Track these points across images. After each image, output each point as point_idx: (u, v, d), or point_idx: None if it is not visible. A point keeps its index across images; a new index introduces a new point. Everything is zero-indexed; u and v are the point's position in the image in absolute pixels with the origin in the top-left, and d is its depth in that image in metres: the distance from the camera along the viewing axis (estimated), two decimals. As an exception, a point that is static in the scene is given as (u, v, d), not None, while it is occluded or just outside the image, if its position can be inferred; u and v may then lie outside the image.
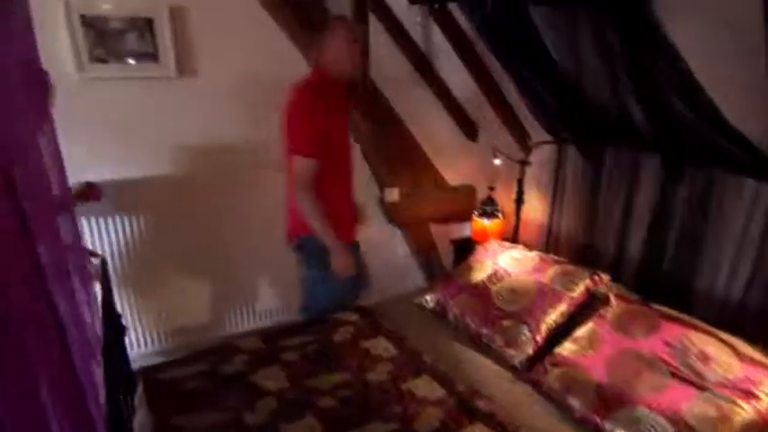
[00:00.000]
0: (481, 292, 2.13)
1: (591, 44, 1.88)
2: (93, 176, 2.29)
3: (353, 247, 2.17)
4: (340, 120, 2.01)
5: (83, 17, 2.13)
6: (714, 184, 1.96)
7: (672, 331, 1.69)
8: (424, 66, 2.94)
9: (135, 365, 1.91)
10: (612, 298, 1.93)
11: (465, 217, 3.11)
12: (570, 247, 2.58)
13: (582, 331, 1.83)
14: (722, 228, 1.95)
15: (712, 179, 1.97)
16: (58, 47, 2.11)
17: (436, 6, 1.75)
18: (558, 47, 2.04)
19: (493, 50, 2.19)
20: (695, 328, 1.69)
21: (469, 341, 2.02)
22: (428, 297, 2.26)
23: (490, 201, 2.87)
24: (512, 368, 1.85)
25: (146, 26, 2.26)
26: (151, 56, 2.30)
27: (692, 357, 1.58)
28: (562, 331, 1.91)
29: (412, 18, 2.66)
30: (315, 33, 2.06)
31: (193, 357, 1.90)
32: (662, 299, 2.02)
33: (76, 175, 2.26)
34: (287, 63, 2.56)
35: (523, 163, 2.69)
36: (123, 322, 1.79)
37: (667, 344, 1.65)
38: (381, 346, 1.96)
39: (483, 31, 2.18)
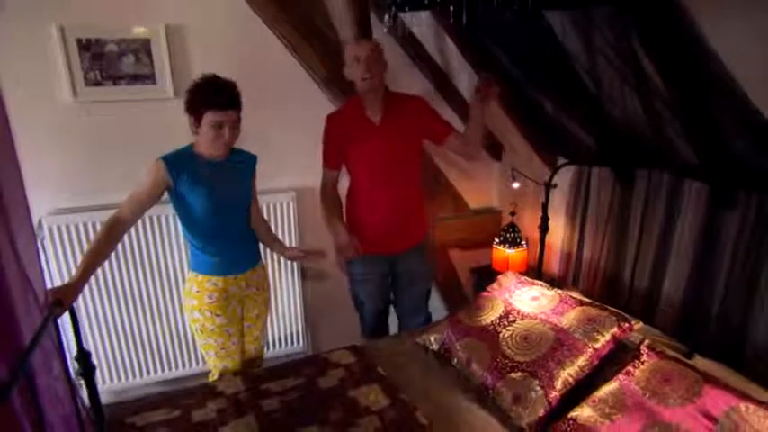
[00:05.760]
0: (489, 336, 1.86)
1: (613, 56, 1.61)
2: (88, 201, 2.24)
3: (389, 261, 2.21)
4: (363, 140, 2.04)
5: (78, 41, 2.09)
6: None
7: (717, 400, 1.36)
8: (440, 80, 2.74)
9: (105, 398, 1.79)
10: (644, 351, 1.62)
11: (488, 243, 2.85)
12: (599, 281, 2.26)
13: (604, 391, 1.53)
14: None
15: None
16: (51, 71, 2.07)
17: (407, 9, 1.55)
18: (579, 58, 1.79)
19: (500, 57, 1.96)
20: (748, 398, 1.36)
21: (475, 394, 1.76)
22: (432, 337, 2.02)
23: (511, 227, 2.60)
24: (519, 430, 1.58)
25: (142, 48, 2.19)
26: (148, 77, 2.23)
27: (741, 438, 1.26)
28: (582, 388, 1.61)
29: (422, 29, 2.47)
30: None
31: (170, 399, 1.76)
32: (707, 350, 1.69)
33: (72, 201, 2.23)
34: (290, 79, 2.44)
35: (548, 185, 2.41)
36: (92, 360, 1.68)
37: (709, 417, 1.33)
38: (372, 396, 1.73)
39: (493, 41, 1.96)
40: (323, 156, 2.13)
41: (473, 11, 1.04)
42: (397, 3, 1.19)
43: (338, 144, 2.08)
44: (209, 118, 1.66)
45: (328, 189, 2.15)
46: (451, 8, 1.07)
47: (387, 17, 1.55)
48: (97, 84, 2.16)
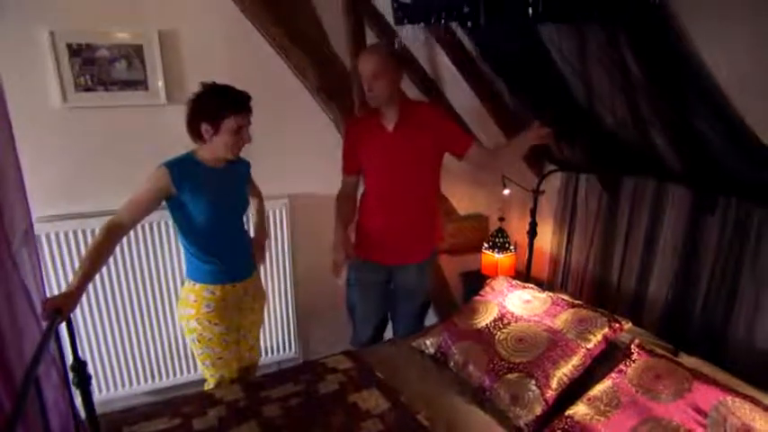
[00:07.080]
0: (485, 339, 1.91)
1: (603, 63, 1.69)
2: (78, 208, 2.20)
3: (387, 271, 2.16)
4: (374, 146, 2.03)
5: (69, 45, 2.07)
6: (751, 217, 1.72)
7: (705, 395, 1.44)
8: (430, 88, 2.79)
9: (102, 409, 1.76)
10: (635, 350, 1.69)
11: (477, 248, 2.91)
12: (587, 284, 2.34)
13: (598, 390, 1.59)
14: (762, 266, 1.70)
15: (749, 212, 1.73)
16: (41, 76, 2.04)
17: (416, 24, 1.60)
18: (569, 68, 1.86)
19: (495, 70, 2.02)
20: (734, 392, 1.43)
21: (472, 395, 1.80)
22: (428, 342, 2.05)
23: (500, 232, 2.67)
24: (518, 430, 1.62)
25: (134, 53, 2.18)
26: (140, 83, 2.22)
27: None
28: (576, 387, 1.67)
29: (415, 40, 2.52)
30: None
31: (168, 408, 1.75)
32: (692, 347, 1.78)
33: (62, 207, 2.19)
34: (281, 86, 2.45)
35: (536, 192, 2.49)
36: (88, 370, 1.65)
37: (700, 411, 1.40)
38: (372, 400, 1.76)
39: (486, 53, 2.02)
40: (342, 161, 2.14)
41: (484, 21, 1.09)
42: (409, 18, 1.22)
43: (353, 149, 2.08)
44: (231, 123, 1.68)
45: (342, 194, 2.15)
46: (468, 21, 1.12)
47: (398, 38, 1.58)
48: (88, 89, 2.13)
